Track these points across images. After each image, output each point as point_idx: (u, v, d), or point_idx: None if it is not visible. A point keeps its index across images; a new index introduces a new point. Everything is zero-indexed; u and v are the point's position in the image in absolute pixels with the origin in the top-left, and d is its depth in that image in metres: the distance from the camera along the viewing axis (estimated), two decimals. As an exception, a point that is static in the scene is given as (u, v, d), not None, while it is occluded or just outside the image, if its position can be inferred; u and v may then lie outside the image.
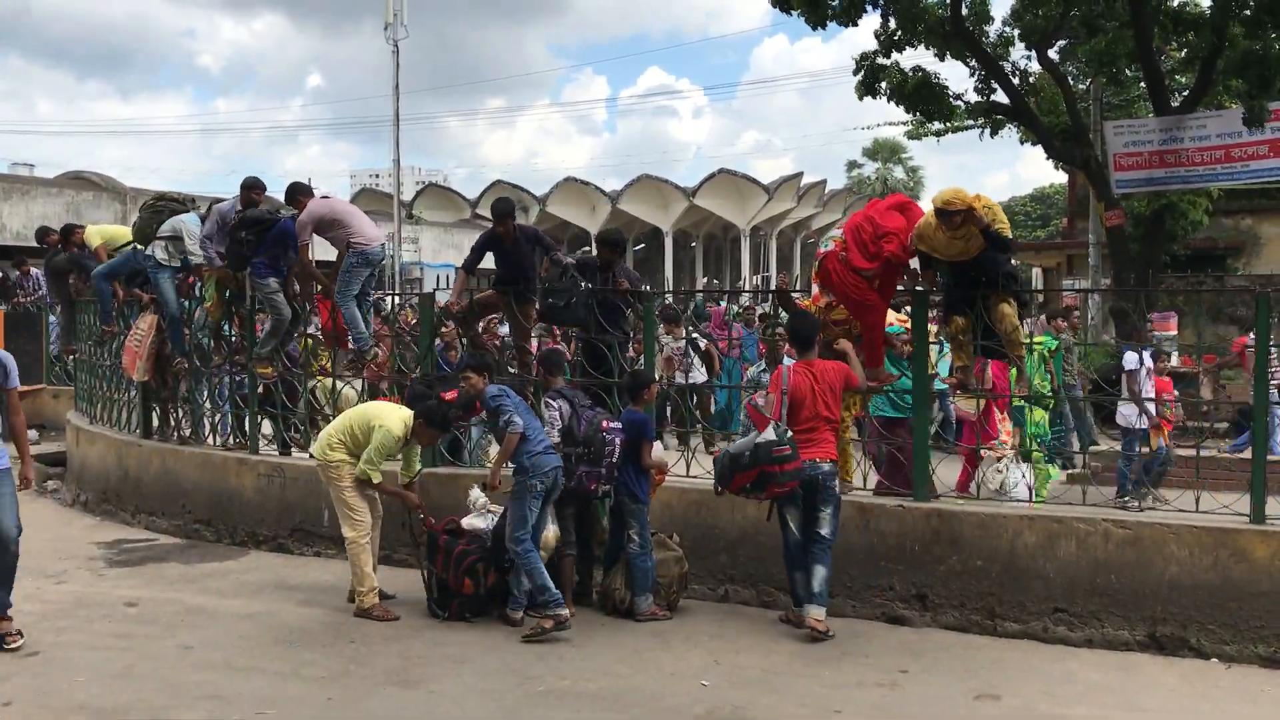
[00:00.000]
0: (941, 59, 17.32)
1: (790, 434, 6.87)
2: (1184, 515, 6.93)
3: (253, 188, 9.77)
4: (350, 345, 9.51)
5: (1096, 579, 6.83)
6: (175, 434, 10.89)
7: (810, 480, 6.94)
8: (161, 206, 10.63)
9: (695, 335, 13.11)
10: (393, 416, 7.58)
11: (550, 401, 7.45)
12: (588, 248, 55.81)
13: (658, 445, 7.71)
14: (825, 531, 6.99)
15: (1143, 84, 19.24)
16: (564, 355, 8.43)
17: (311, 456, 8.06)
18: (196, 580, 8.59)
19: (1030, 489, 8.20)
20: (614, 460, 7.33)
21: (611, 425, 7.36)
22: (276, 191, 10.44)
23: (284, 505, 9.44)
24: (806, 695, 6.04)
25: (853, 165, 68.60)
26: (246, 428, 10.14)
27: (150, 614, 7.60)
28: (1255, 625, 6.49)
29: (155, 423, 11.15)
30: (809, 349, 7.29)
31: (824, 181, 62.32)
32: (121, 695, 5.99)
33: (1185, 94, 18.09)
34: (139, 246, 10.72)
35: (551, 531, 7.34)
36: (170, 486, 10.38)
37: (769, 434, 6.85)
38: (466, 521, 7.72)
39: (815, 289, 7.73)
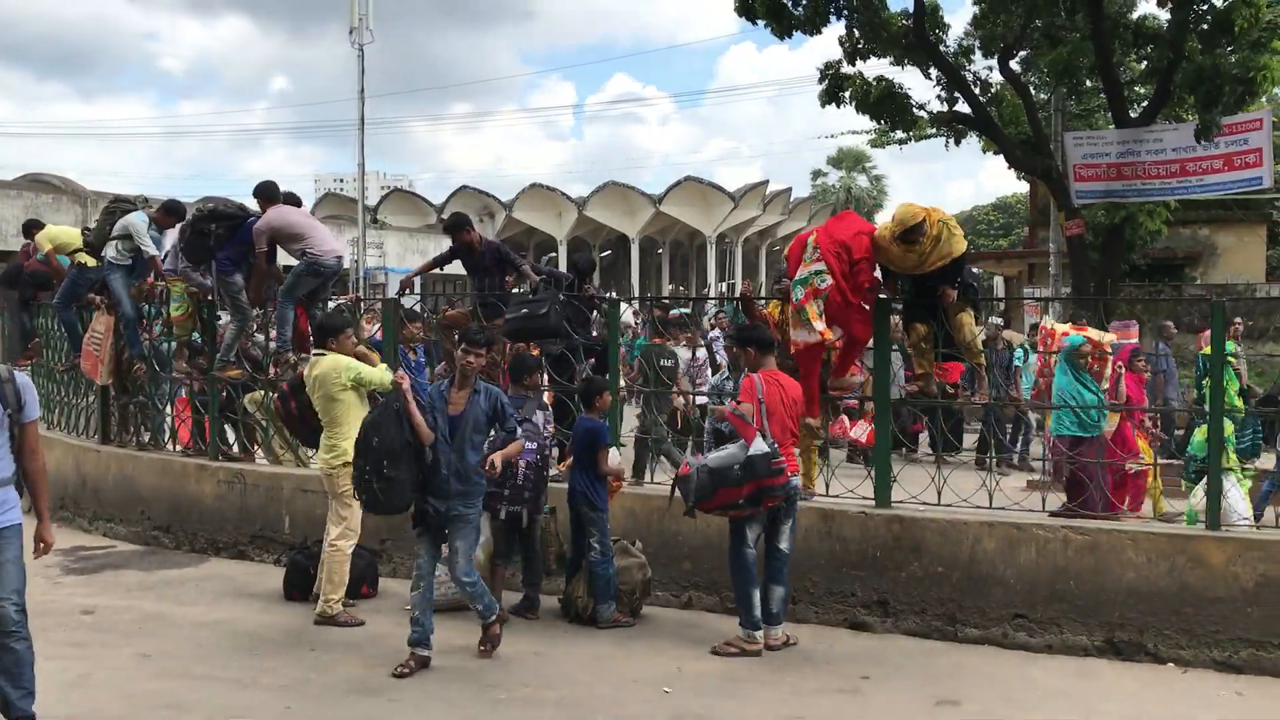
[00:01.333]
0: (901, 66, 17.48)
1: (775, 444, 6.70)
2: (1141, 521, 7.02)
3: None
4: (274, 344, 9.64)
5: (1056, 585, 6.89)
6: (134, 439, 10.76)
7: (787, 498, 6.86)
8: (114, 209, 10.56)
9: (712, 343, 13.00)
10: (331, 359, 7.51)
11: None
12: (553, 254, 55.86)
13: (614, 452, 7.67)
14: (785, 546, 6.92)
15: (1103, 95, 19.50)
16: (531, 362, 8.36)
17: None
18: (155, 588, 8.49)
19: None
20: (519, 482, 7.30)
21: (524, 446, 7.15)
22: (244, 196, 10.39)
23: (244, 512, 9.35)
24: (768, 702, 6.05)
25: (817, 173, 69.10)
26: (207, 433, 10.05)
27: (107, 622, 7.50)
28: (1211, 630, 6.57)
29: (114, 428, 11.02)
30: (769, 353, 7.16)
31: (789, 189, 62.75)
32: (77, 705, 5.91)
33: (1144, 105, 18.36)
34: (83, 263, 10.64)
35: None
36: (128, 493, 10.26)
37: (760, 446, 6.56)
38: None
39: (823, 329, 7.43)
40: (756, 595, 6.81)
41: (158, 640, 7.09)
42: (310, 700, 6.05)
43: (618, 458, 7.75)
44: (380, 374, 7.49)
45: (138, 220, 10.07)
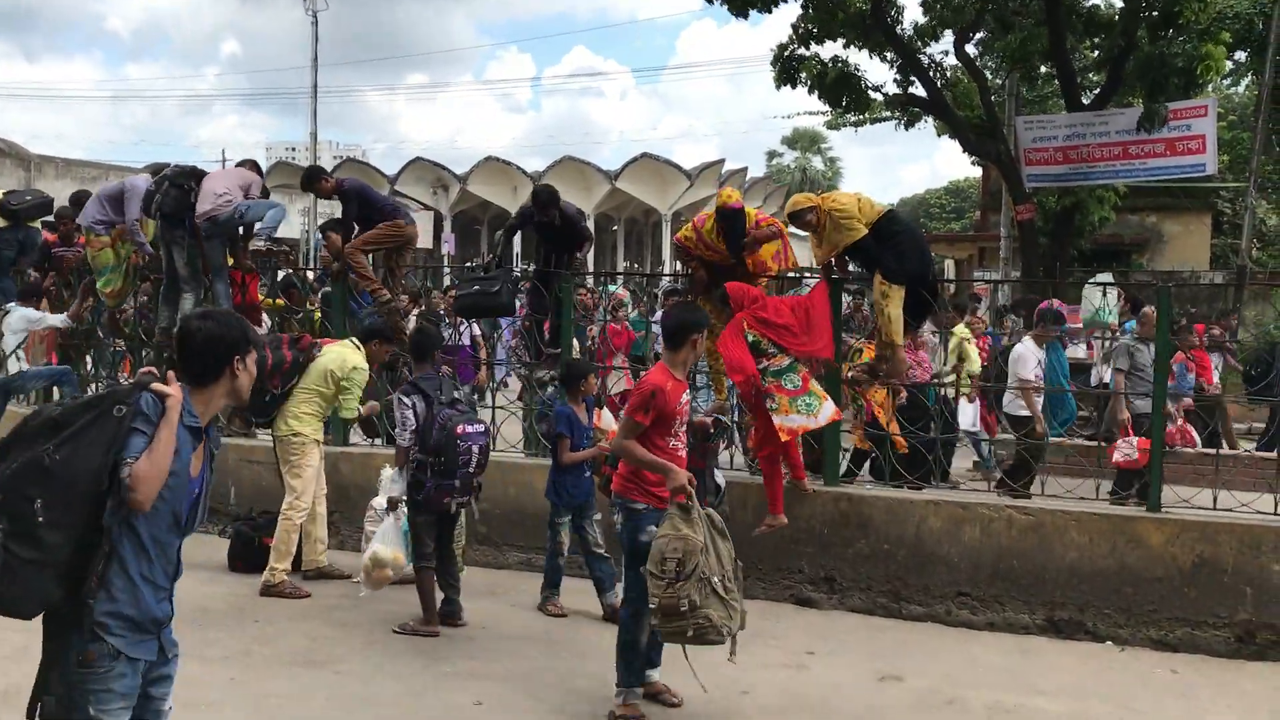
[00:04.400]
0: (857, 48, 17.53)
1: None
2: (1084, 502, 7.13)
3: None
4: None
5: (999, 564, 6.99)
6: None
7: None
8: None
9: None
10: (353, 357, 7.57)
11: (403, 399, 6.71)
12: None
13: (606, 414, 7.51)
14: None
15: (1056, 81, 19.68)
16: (438, 337, 7.76)
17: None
18: None
19: None
20: (471, 470, 6.59)
21: (470, 429, 6.59)
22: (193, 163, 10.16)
23: (189, 482, 9.21)
24: (715, 676, 6.07)
25: (773, 154, 69.25)
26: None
27: (46, 592, 7.37)
28: (1148, 609, 6.70)
29: (55, 396, 10.81)
30: (669, 347, 5.62)
31: (745, 169, 62.71)
32: (13, 677, 5.79)
33: (1097, 92, 18.59)
34: None
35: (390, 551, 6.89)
36: (70, 462, 10.05)
37: None
38: (377, 500, 7.63)
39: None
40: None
41: (99, 611, 6.98)
42: (255, 672, 6.00)
43: (611, 421, 7.47)
44: (357, 406, 7.64)
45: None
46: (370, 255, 9.14)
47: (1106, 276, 12.13)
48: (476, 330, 10.76)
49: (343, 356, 7.60)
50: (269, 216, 9.16)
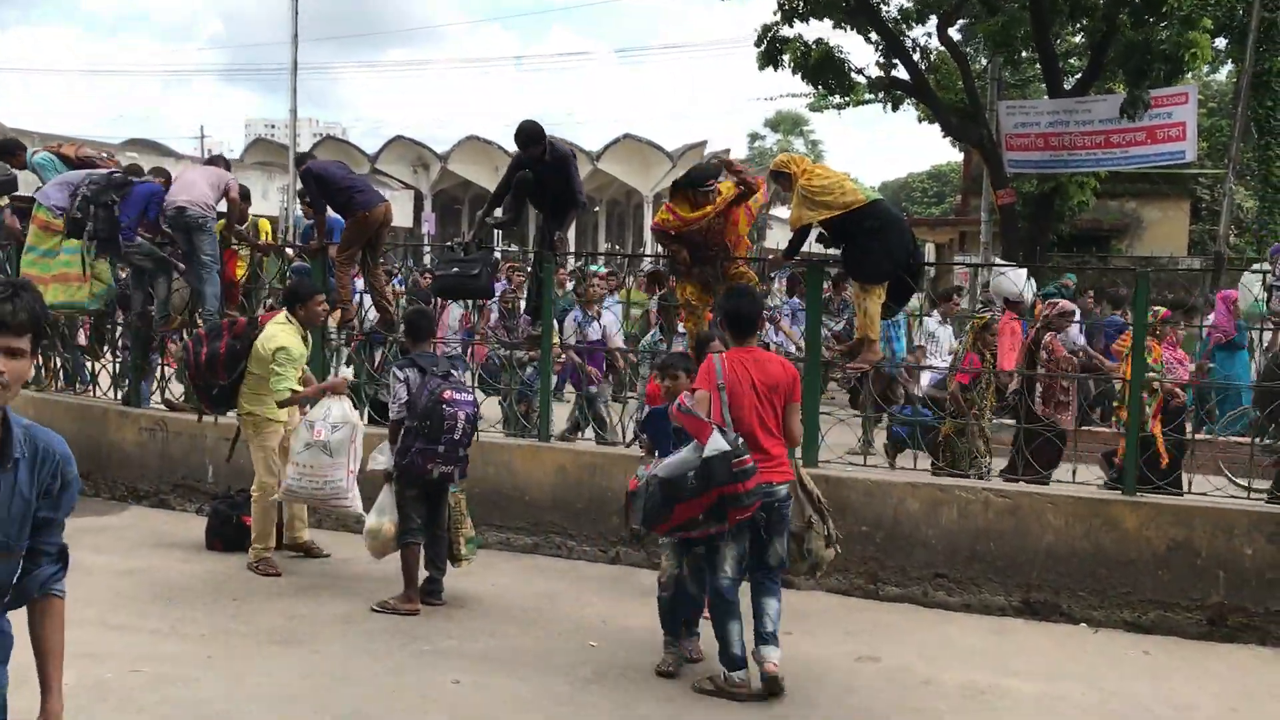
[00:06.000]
0: (845, 29, 17.52)
1: (742, 441, 5.35)
2: (1060, 486, 7.18)
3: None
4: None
5: (976, 546, 7.03)
6: (52, 383, 10.50)
7: (766, 507, 5.47)
8: None
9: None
10: (280, 335, 7.25)
11: (397, 372, 6.78)
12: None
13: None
14: (774, 561, 5.65)
15: (1039, 66, 19.72)
16: (433, 319, 7.77)
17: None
18: (71, 536, 8.18)
19: None
20: (456, 438, 6.54)
21: (457, 397, 6.58)
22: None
23: (166, 459, 9.19)
24: (692, 656, 6.10)
25: (755, 136, 69.15)
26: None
27: (21, 570, 7.33)
28: (1122, 591, 6.76)
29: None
30: (747, 334, 5.74)
31: (727, 151, 62.62)
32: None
33: (1079, 77, 18.65)
34: None
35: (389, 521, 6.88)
36: (45, 439, 9.99)
37: (719, 443, 5.23)
38: (313, 413, 7.47)
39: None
40: (738, 631, 5.56)
41: (73, 589, 6.82)
42: (232, 651, 5.99)
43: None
44: (289, 383, 7.19)
45: None
46: (354, 255, 9.06)
47: (1267, 265, 11.08)
48: (609, 319, 10.73)
49: (269, 336, 7.30)
50: (208, 296, 8.94)
